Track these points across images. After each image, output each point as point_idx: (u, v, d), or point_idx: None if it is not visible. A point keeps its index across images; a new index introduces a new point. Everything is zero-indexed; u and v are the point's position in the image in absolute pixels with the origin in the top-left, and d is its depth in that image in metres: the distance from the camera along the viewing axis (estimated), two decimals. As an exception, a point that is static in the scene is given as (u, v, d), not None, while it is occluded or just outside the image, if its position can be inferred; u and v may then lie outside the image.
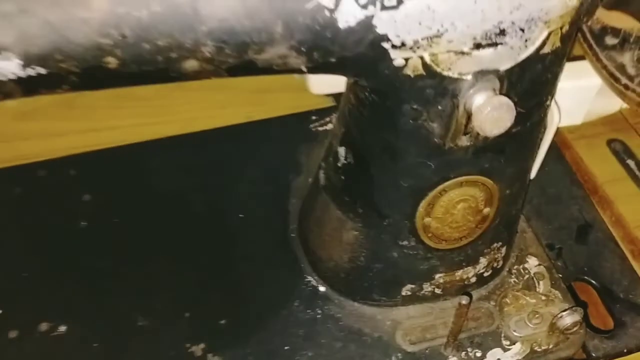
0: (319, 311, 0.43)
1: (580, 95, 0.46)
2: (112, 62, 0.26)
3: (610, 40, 0.40)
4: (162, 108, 0.52)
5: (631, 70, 0.39)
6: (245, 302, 0.43)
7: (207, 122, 0.52)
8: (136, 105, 0.51)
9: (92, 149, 0.49)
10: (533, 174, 0.44)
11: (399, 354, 0.41)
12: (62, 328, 0.41)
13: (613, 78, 0.40)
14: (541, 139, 0.41)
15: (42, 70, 0.26)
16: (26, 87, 0.27)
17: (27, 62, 0.25)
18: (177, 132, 0.51)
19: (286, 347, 0.41)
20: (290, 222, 0.46)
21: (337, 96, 0.53)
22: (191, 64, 0.27)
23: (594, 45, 0.40)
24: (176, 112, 0.52)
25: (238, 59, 0.27)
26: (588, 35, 0.40)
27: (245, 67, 0.28)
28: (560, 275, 0.44)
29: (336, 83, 0.37)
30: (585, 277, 0.45)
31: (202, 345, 0.40)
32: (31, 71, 0.26)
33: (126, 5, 0.25)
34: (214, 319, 0.42)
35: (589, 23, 0.39)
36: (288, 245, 0.45)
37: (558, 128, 0.48)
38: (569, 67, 0.41)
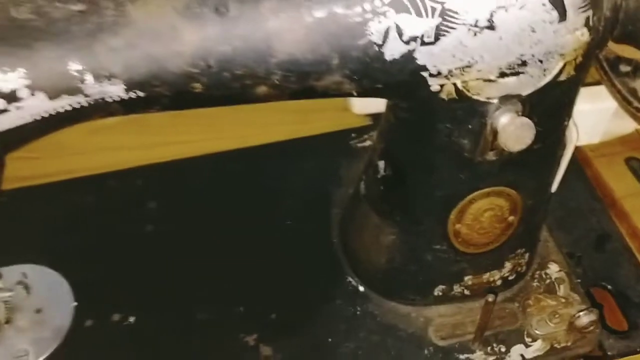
0: (359, 308, 0.47)
1: (597, 116, 0.51)
2: (197, 87, 0.32)
3: (623, 68, 0.45)
4: (218, 126, 0.58)
5: (642, 95, 0.44)
6: (293, 299, 0.48)
7: (258, 138, 0.57)
8: (195, 123, 0.57)
9: (156, 162, 0.55)
10: (554, 188, 0.48)
11: (431, 348, 0.45)
12: (132, 319, 0.47)
13: (626, 101, 0.44)
14: (561, 156, 0.46)
15: (141, 94, 0.31)
16: (126, 107, 0.32)
17: (130, 87, 0.31)
18: (231, 147, 0.57)
19: (329, 339, 0.46)
20: (332, 228, 0.51)
21: (374, 116, 0.58)
22: (262, 90, 0.33)
23: (609, 72, 0.45)
24: (230, 129, 0.58)
25: (300, 85, 0.33)
26: (604, 63, 0.45)
27: (305, 92, 0.34)
28: (579, 281, 0.48)
29: (375, 104, 0.43)
30: (603, 283, 0.49)
31: (254, 336, 0.46)
32: (132, 94, 0.31)
33: (213, 41, 0.31)
34: (265, 313, 0.47)
35: (604, 53, 0.44)
36: (330, 249, 0.50)
37: (579, 146, 0.53)
38: (587, 91, 0.46)
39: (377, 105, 0.44)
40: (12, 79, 0.29)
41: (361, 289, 0.48)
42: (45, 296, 0.48)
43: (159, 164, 0.55)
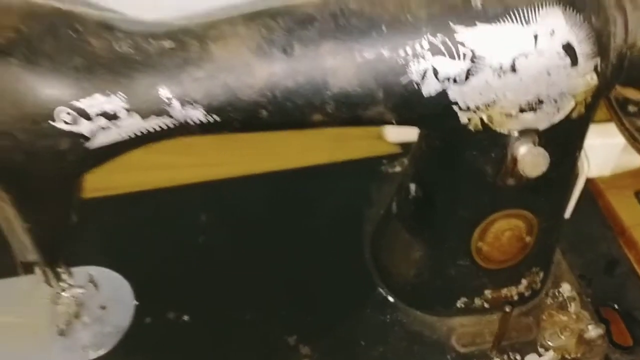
0: (388, 317, 0.53)
1: (608, 151, 0.56)
2: (264, 114, 0.38)
3: (631, 108, 0.50)
4: (262, 148, 0.64)
5: (648, 133, 0.49)
6: (329, 305, 0.53)
7: (298, 161, 0.63)
8: (241, 146, 0.63)
9: (206, 180, 0.61)
10: (568, 214, 0.54)
11: (453, 354, 0.50)
12: (186, 317, 0.52)
13: (633, 139, 0.49)
14: (573, 185, 0.51)
15: (217, 118, 0.38)
16: (203, 129, 0.38)
17: (208, 111, 0.37)
18: (274, 168, 0.63)
19: (362, 342, 0.51)
20: (364, 244, 0.57)
21: (404, 145, 0.64)
22: (317, 117, 0.38)
23: (618, 112, 0.50)
24: (274, 152, 0.64)
25: (349, 114, 0.39)
26: (613, 103, 0.50)
27: (353, 121, 0.39)
28: (589, 300, 0.53)
29: (406, 133, 0.48)
30: (610, 303, 0.54)
31: (294, 337, 0.51)
32: (210, 118, 0.37)
33: (279, 76, 0.37)
34: (304, 317, 0.52)
35: (613, 94, 0.50)
36: (363, 263, 0.55)
37: (591, 178, 0.58)
38: (598, 128, 0.52)
39: (408, 134, 0.50)
40: (114, 102, 0.35)
41: (390, 299, 0.53)
42: (109, 295, 0.53)
43: (208, 182, 0.61)
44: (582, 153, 0.52)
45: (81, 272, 0.52)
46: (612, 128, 0.52)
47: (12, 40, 0.34)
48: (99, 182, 0.54)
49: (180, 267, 0.55)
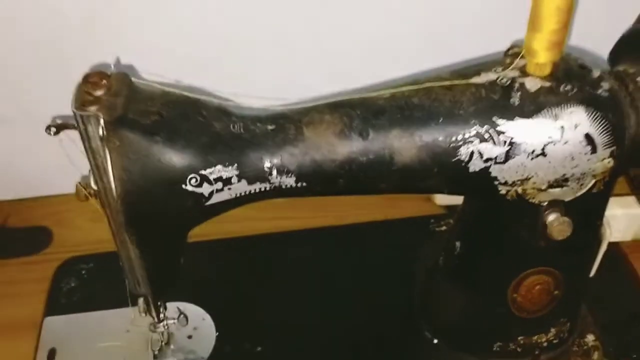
0: (433, 358, 0.61)
1: (628, 220, 0.64)
2: (341, 183, 0.48)
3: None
4: (326, 206, 0.74)
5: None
6: (382, 345, 0.62)
7: (356, 217, 0.73)
8: (309, 204, 0.72)
9: (278, 231, 0.71)
10: (593, 272, 0.61)
11: (490, 390, 0.58)
12: (259, 348, 0.61)
13: (649, 210, 0.58)
14: (598, 248, 0.59)
15: (304, 184, 0.47)
16: (292, 192, 0.48)
17: (298, 179, 0.47)
18: (335, 223, 0.72)
19: (410, 377, 0.59)
20: (413, 294, 0.65)
21: (450, 207, 0.73)
22: (383, 186, 0.48)
23: (636, 187, 0.58)
24: (336, 209, 0.73)
25: (409, 184, 0.48)
26: (632, 179, 0.59)
27: (411, 189, 0.49)
28: (611, 349, 0.60)
29: (452, 198, 0.57)
30: (631, 354, 0.61)
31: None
32: (299, 184, 0.47)
33: (356, 154, 0.47)
34: (362, 356, 0.61)
35: (632, 172, 0.58)
36: (411, 309, 0.64)
37: (617, 242, 0.66)
38: (620, 200, 0.60)
39: (453, 199, 0.59)
40: (229, 170, 0.46)
41: (435, 341, 0.61)
42: (195, 326, 0.63)
43: (279, 232, 0.71)
44: (605, 221, 0.60)
45: (172, 307, 0.62)
46: (632, 201, 0.60)
47: (156, 122, 0.45)
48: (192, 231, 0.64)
49: (255, 305, 0.64)
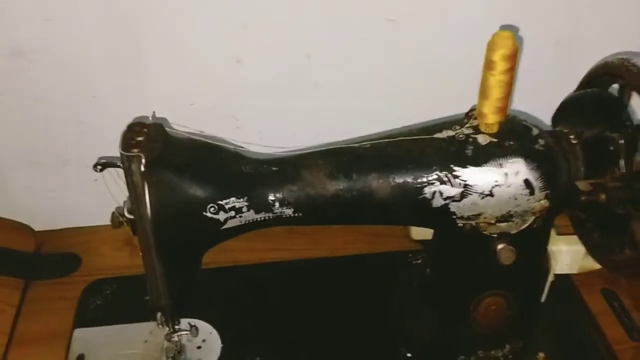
0: (407, 368, 0.71)
1: (573, 255, 0.75)
2: (330, 214, 0.59)
3: (588, 225, 0.70)
4: (317, 241, 0.85)
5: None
6: (364, 357, 0.72)
7: (344, 251, 0.84)
8: (301, 238, 0.85)
9: (276, 260, 0.83)
10: (543, 298, 0.72)
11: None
12: (258, 358, 0.71)
13: (588, 247, 0.69)
14: (545, 278, 0.70)
15: (301, 214, 0.59)
16: (290, 221, 0.60)
17: (296, 210, 0.59)
18: (326, 255, 0.84)
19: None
20: (392, 315, 0.76)
21: (425, 242, 0.85)
22: (364, 218, 0.60)
23: (578, 228, 0.70)
24: (325, 243, 0.85)
25: (385, 216, 0.60)
26: (574, 221, 0.70)
27: (386, 220, 0.61)
28: (559, 364, 0.71)
29: (426, 233, 0.69)
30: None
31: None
32: (296, 214, 0.59)
33: (342, 191, 0.58)
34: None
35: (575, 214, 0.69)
36: (390, 329, 0.74)
37: (568, 274, 0.77)
38: (566, 238, 0.72)
39: (427, 234, 0.70)
40: (240, 202, 0.57)
41: (408, 355, 0.72)
42: (203, 339, 0.73)
43: (277, 261, 0.83)
44: (552, 255, 0.72)
45: (185, 322, 0.72)
46: (575, 239, 0.71)
47: (185, 163, 0.57)
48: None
49: (255, 322, 0.75)
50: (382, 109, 0.78)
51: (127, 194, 0.59)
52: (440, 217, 0.59)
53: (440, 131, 0.60)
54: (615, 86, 0.64)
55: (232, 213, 0.58)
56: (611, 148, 0.58)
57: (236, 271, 0.82)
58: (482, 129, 0.59)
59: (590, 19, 0.77)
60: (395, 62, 0.78)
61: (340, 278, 0.82)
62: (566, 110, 0.66)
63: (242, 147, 0.61)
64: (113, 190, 0.65)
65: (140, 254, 0.62)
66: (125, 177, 0.57)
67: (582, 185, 0.59)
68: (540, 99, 0.68)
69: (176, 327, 0.69)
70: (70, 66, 0.78)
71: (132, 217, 0.60)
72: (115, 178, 0.63)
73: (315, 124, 0.78)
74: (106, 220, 0.85)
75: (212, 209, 0.57)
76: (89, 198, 0.89)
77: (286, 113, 0.81)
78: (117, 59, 0.77)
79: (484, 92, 0.57)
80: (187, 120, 0.62)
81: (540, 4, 0.76)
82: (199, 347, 0.73)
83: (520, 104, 0.74)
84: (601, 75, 0.64)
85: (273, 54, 0.77)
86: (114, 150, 0.57)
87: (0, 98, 0.81)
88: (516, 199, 0.58)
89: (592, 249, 0.68)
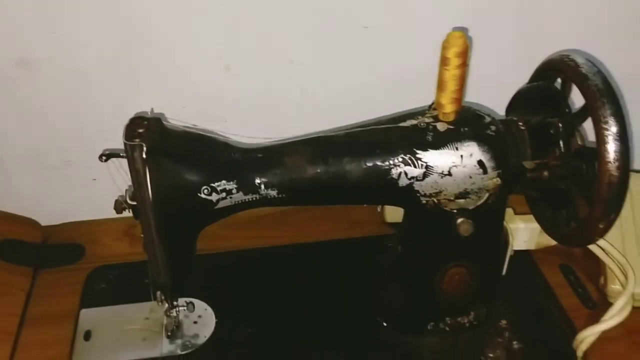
0: (382, 335, 0.79)
1: (529, 232, 0.84)
2: (310, 195, 0.67)
3: (541, 203, 0.78)
4: (300, 227, 0.93)
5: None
6: (345, 328, 0.80)
7: (325, 236, 0.92)
8: (286, 226, 0.93)
9: (263, 246, 0.91)
10: (504, 272, 0.81)
11: (421, 359, 0.76)
12: (249, 330, 0.79)
13: (542, 225, 0.77)
14: (504, 251, 0.79)
15: (284, 195, 0.67)
16: (275, 202, 0.68)
17: (279, 192, 0.67)
18: (308, 241, 0.92)
19: (368, 352, 0.77)
20: (368, 290, 0.84)
21: (396, 225, 0.93)
22: (340, 197, 0.68)
23: (532, 206, 0.78)
24: (308, 230, 0.93)
25: (357, 195, 0.68)
26: (529, 200, 0.79)
27: (361, 200, 0.69)
28: (519, 331, 0.79)
29: (397, 216, 0.77)
30: (534, 335, 0.79)
31: (320, 349, 0.77)
32: (280, 195, 0.67)
33: (320, 173, 0.66)
34: (331, 338, 0.79)
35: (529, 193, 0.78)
36: (368, 302, 0.82)
37: (528, 250, 0.85)
38: (523, 217, 0.80)
39: (399, 216, 0.78)
40: (230, 185, 0.65)
41: (384, 324, 0.80)
42: (199, 315, 0.81)
43: (263, 247, 0.91)
44: (510, 232, 0.80)
45: (182, 300, 0.80)
46: (531, 217, 0.79)
47: (181, 151, 0.65)
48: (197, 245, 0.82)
49: (246, 300, 0.83)
50: (356, 104, 0.86)
51: (128, 183, 0.67)
52: (406, 195, 0.67)
53: (405, 121, 0.68)
54: (559, 80, 0.73)
55: (223, 194, 0.66)
56: (552, 132, 0.67)
57: (228, 256, 0.90)
58: (441, 117, 0.67)
59: (538, 21, 0.86)
60: (369, 63, 0.87)
61: (323, 261, 0.90)
62: (517, 102, 0.74)
63: (231, 139, 0.69)
64: (116, 178, 0.73)
65: (142, 235, 0.69)
66: (129, 164, 0.64)
67: (528, 164, 0.67)
68: (497, 93, 0.76)
69: (174, 303, 0.77)
70: (73, 75, 0.86)
71: (134, 203, 0.68)
72: (118, 169, 0.71)
73: (295, 118, 0.87)
74: (106, 215, 0.93)
75: (205, 190, 0.65)
76: (89, 196, 0.97)
77: (268, 111, 0.90)
78: (116, 69, 0.85)
79: (440, 85, 0.66)
80: (182, 117, 0.71)
81: (495, 8, 0.85)
82: (195, 322, 0.80)
83: (479, 98, 0.83)
84: (546, 71, 0.72)
85: (259, 61, 0.85)
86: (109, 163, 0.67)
87: (8, 104, 0.89)
88: (471, 177, 0.67)
89: (545, 225, 0.76)
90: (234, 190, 0.66)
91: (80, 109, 0.89)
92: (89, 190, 0.97)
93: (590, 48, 0.84)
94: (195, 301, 0.81)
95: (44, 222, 0.97)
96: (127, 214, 0.71)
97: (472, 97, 0.83)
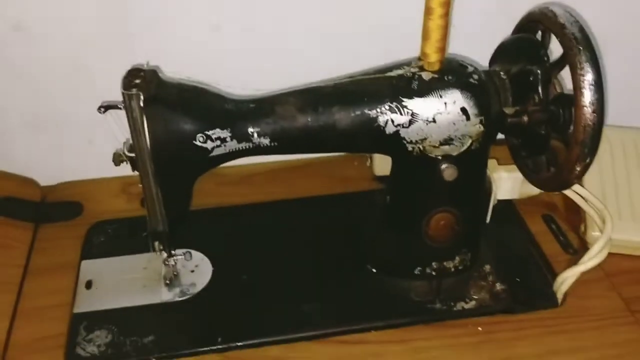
0: (372, 281, 0.82)
1: (512, 181, 0.87)
2: (302, 142, 0.70)
3: (523, 153, 0.81)
4: (293, 184, 0.96)
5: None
6: (336, 274, 0.83)
7: (323, 191, 0.95)
8: (279, 182, 0.96)
9: (256, 202, 0.94)
10: (488, 219, 0.84)
11: (410, 302, 0.80)
12: (244, 277, 0.83)
13: (524, 174, 0.80)
14: (488, 199, 0.82)
15: (276, 144, 0.70)
16: (268, 150, 0.70)
17: (272, 140, 0.69)
18: (302, 196, 0.95)
19: (356, 297, 0.81)
20: (359, 240, 0.87)
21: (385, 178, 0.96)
22: (330, 145, 0.71)
23: (515, 155, 0.81)
24: (302, 186, 0.96)
25: (346, 142, 0.71)
26: (512, 149, 0.82)
27: (350, 148, 0.72)
28: (502, 275, 0.82)
29: (385, 169, 0.80)
30: (515, 278, 0.83)
31: (312, 291, 0.81)
32: (273, 143, 0.70)
33: (311, 122, 0.69)
34: (319, 280, 0.82)
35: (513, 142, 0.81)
36: (359, 250, 0.86)
37: (511, 200, 0.89)
38: (506, 167, 0.83)
39: (387, 170, 0.81)
40: (224, 133, 0.68)
41: (374, 270, 0.83)
42: (196, 264, 0.84)
43: (257, 203, 0.94)
44: (493, 181, 0.84)
45: (179, 251, 0.83)
46: (514, 167, 0.83)
47: (177, 100, 0.68)
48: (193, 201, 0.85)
49: (241, 250, 0.87)
50: (344, 57, 0.89)
51: (126, 136, 0.70)
52: (393, 142, 0.70)
53: (392, 70, 0.71)
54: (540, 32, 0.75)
55: (218, 142, 0.69)
56: (531, 79, 0.70)
57: (223, 211, 0.93)
58: (426, 67, 0.70)
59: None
60: (360, 18, 0.91)
61: (314, 214, 0.93)
62: (499, 54, 0.77)
63: (224, 91, 0.72)
64: (114, 130, 0.75)
65: (140, 185, 0.72)
66: (127, 113, 0.67)
67: (508, 110, 0.71)
68: (482, 45, 0.79)
69: (172, 252, 0.80)
70: (66, 39, 0.88)
71: (132, 155, 0.70)
72: (116, 121, 0.74)
73: (285, 68, 0.90)
74: (102, 174, 0.96)
75: (200, 138, 0.68)
76: (86, 158, 1.00)
77: (261, 61, 0.93)
78: (108, 32, 0.88)
79: (425, 35, 0.69)
80: (177, 68, 0.74)
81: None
82: (192, 271, 0.84)
83: (466, 51, 0.86)
84: (527, 23, 0.75)
85: (249, 21, 0.88)
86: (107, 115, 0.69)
87: (3, 67, 0.91)
88: (455, 124, 0.70)
89: (526, 172, 0.79)
90: (228, 139, 0.69)
91: (73, 71, 0.91)
92: (85, 152, 1.00)
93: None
94: (193, 252, 0.84)
95: (42, 182, 1.00)
96: (124, 172, 0.73)
97: (462, 50, 0.86)
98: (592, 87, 0.65)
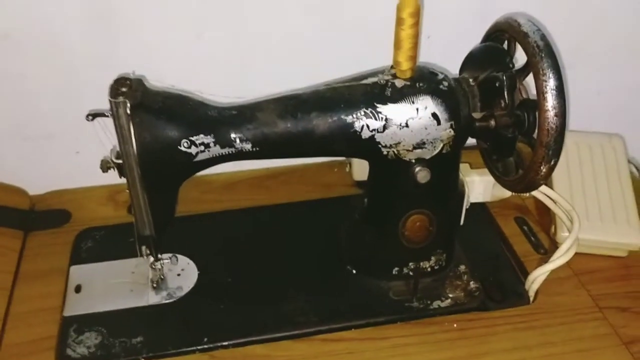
0: (352, 281, 0.86)
1: (484, 184, 0.91)
2: (282, 147, 0.74)
3: (494, 156, 0.85)
4: (275, 190, 1.00)
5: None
6: (317, 276, 0.86)
7: (303, 197, 0.99)
8: (261, 190, 0.99)
9: (237, 208, 0.97)
10: (462, 221, 0.88)
11: (388, 301, 0.83)
12: (229, 279, 0.85)
13: (496, 177, 0.84)
14: (461, 202, 0.86)
15: (258, 149, 0.73)
16: (249, 156, 0.74)
17: (253, 145, 0.73)
18: (282, 201, 0.98)
19: (337, 296, 0.84)
20: (339, 242, 0.91)
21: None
22: (309, 150, 0.75)
23: (486, 159, 0.85)
24: (283, 192, 0.99)
25: (323, 147, 0.75)
26: (484, 153, 0.86)
27: (328, 152, 0.76)
28: (477, 274, 0.86)
29: (363, 175, 0.84)
30: (489, 277, 0.87)
31: (293, 292, 0.84)
32: (254, 149, 0.73)
33: (290, 127, 0.73)
34: (301, 287, 0.85)
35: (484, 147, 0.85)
36: (340, 253, 0.89)
37: (484, 203, 0.93)
38: (478, 170, 0.87)
39: (365, 175, 0.85)
40: (208, 139, 0.71)
41: (354, 271, 0.87)
42: (182, 268, 0.87)
43: (239, 209, 0.97)
44: (466, 184, 0.88)
45: (166, 255, 0.86)
46: (486, 171, 0.87)
47: (162, 107, 0.71)
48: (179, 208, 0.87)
49: (225, 255, 0.90)
50: (324, 68, 0.93)
51: (113, 143, 0.73)
52: (369, 146, 0.74)
53: (367, 78, 0.75)
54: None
55: (202, 148, 0.72)
56: (497, 85, 0.74)
57: (208, 217, 0.96)
58: (398, 75, 0.74)
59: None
60: (339, 28, 0.96)
61: (296, 219, 0.96)
62: (468, 62, 0.81)
63: (207, 98, 0.75)
64: (101, 138, 0.78)
65: (127, 190, 0.75)
66: (114, 120, 0.70)
67: (476, 114, 0.75)
68: (459, 54, 0.83)
69: (159, 256, 0.83)
70: (53, 48, 0.91)
71: (119, 161, 0.73)
72: (104, 129, 0.77)
73: (266, 77, 0.94)
74: (90, 183, 0.99)
75: (185, 143, 0.71)
76: (73, 168, 1.02)
77: (242, 69, 0.97)
78: (95, 42, 0.91)
79: (397, 44, 0.73)
80: (161, 77, 0.77)
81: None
82: (178, 275, 0.87)
83: (441, 60, 0.91)
84: (495, 32, 0.79)
85: (231, 31, 0.92)
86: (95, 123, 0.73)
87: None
88: (426, 129, 0.74)
89: (496, 175, 0.83)
90: (212, 144, 0.72)
91: (60, 79, 0.94)
92: (73, 162, 1.02)
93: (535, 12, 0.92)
94: (179, 256, 0.87)
95: (30, 191, 1.02)
96: (111, 180, 0.76)
97: (434, 59, 0.91)
98: (554, 92, 0.69)
